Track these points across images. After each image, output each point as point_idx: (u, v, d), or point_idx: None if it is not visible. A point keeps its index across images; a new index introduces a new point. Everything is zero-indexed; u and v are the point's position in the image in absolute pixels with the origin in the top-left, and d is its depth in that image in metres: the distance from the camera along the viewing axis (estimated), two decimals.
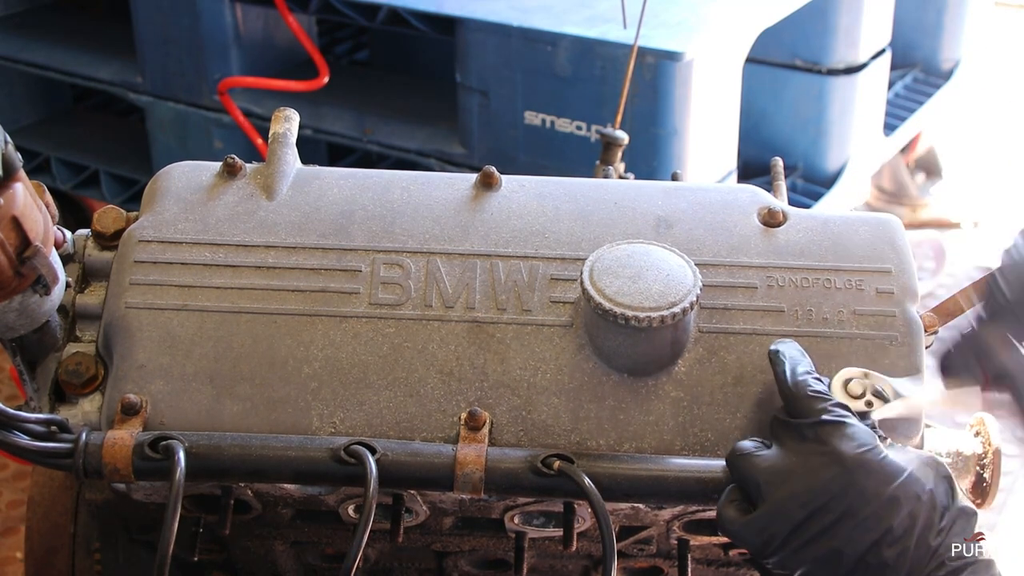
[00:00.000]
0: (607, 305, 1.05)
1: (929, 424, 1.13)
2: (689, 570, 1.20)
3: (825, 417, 0.96)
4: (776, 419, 1.00)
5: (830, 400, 0.98)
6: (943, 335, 1.16)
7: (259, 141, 2.56)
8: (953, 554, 0.92)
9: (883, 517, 0.92)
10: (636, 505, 1.10)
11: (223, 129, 2.74)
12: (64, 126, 3.21)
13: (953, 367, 1.12)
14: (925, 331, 1.13)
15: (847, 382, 1.03)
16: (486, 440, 1.05)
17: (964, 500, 0.96)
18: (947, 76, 3.37)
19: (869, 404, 1.02)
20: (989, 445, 1.18)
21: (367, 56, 3.17)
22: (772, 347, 1.04)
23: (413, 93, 2.75)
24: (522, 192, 1.21)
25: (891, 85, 3.12)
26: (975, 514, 0.96)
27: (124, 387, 1.09)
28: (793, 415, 0.99)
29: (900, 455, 0.96)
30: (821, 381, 1.01)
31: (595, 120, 2.27)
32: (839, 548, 0.92)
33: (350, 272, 1.14)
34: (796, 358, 1.03)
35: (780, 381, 1.02)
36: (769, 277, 1.15)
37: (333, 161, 2.73)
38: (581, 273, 1.08)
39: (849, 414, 0.97)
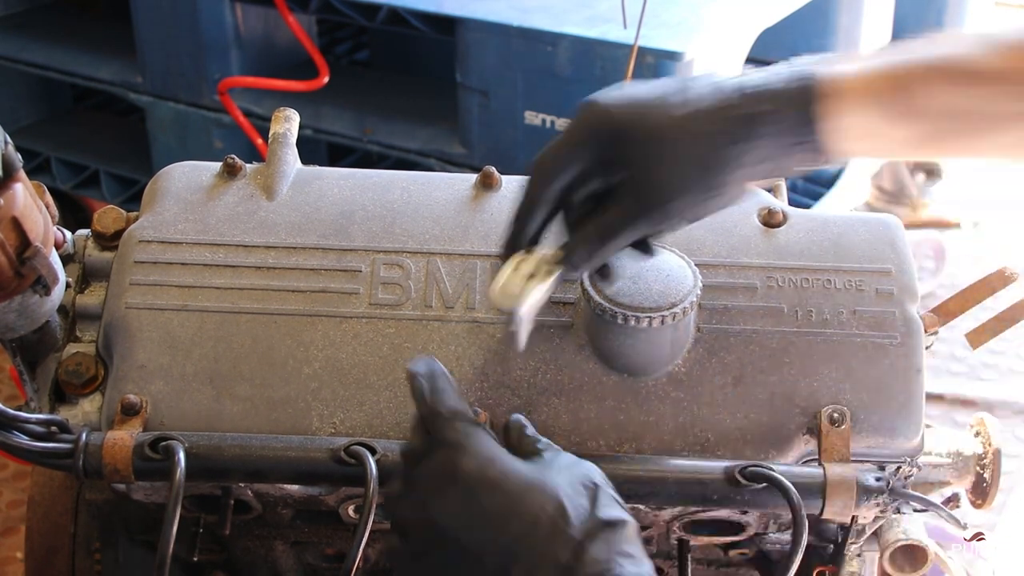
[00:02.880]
0: (607, 305, 1.05)
1: (929, 424, 1.13)
2: (689, 570, 1.20)
3: (448, 435, 0.88)
4: (407, 444, 0.94)
5: (462, 417, 0.89)
6: None
7: (259, 141, 2.56)
8: (595, 571, 0.80)
9: (497, 541, 0.82)
10: (636, 505, 1.09)
11: (223, 129, 2.74)
12: (64, 126, 3.21)
13: None
14: (925, 331, 1.13)
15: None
16: None
17: (613, 511, 0.85)
18: None
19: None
20: (989, 445, 1.18)
21: (367, 56, 3.17)
22: (409, 367, 0.93)
23: (413, 93, 2.75)
24: None
25: None
26: (625, 524, 0.84)
27: (124, 387, 1.09)
28: (428, 433, 0.90)
29: (531, 467, 0.87)
30: (460, 400, 0.92)
31: None
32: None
33: (350, 272, 1.14)
34: (435, 376, 0.92)
35: (417, 402, 0.92)
36: (769, 277, 1.15)
37: (333, 161, 2.73)
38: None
39: (478, 428, 0.89)
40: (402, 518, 0.89)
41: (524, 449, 0.93)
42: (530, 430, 0.96)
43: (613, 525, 0.84)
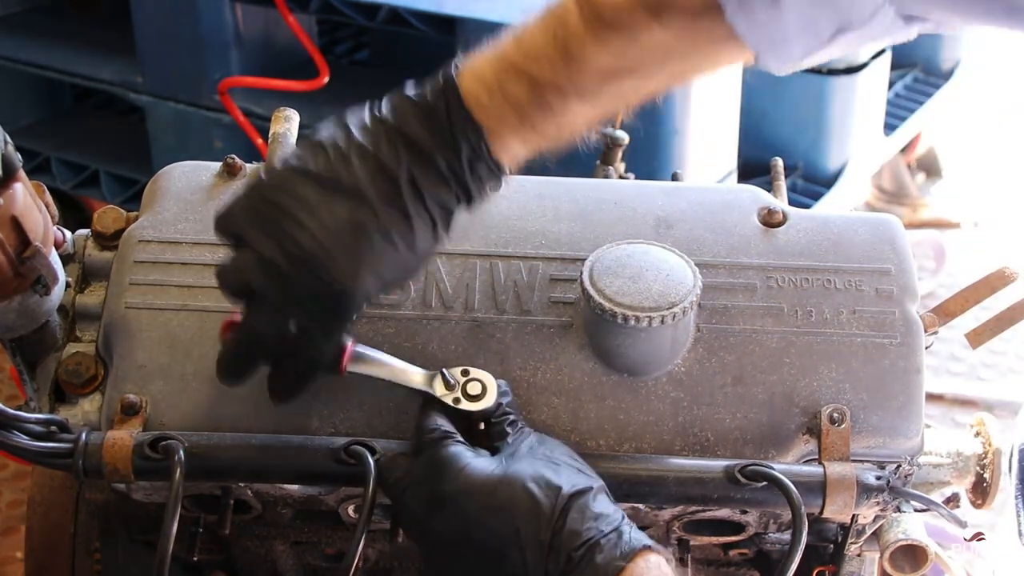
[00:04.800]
0: (607, 305, 1.05)
1: (929, 424, 1.13)
2: (689, 570, 1.20)
3: (426, 464, 0.96)
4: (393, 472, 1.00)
5: (434, 430, 0.98)
6: None
7: (259, 141, 2.56)
8: (577, 542, 0.88)
9: (485, 540, 0.91)
10: (636, 505, 1.10)
11: (223, 129, 2.74)
12: (64, 126, 3.21)
13: None
14: (925, 331, 1.13)
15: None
16: None
17: (577, 480, 0.93)
18: (947, 76, 3.37)
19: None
20: (989, 445, 1.18)
21: (367, 56, 3.17)
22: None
23: None
24: (522, 192, 1.21)
25: (891, 85, 3.12)
26: (590, 489, 0.92)
27: (124, 387, 1.09)
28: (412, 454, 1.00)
29: (498, 462, 0.95)
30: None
31: None
32: None
33: None
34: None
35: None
36: (769, 277, 1.15)
37: None
38: (581, 273, 1.08)
39: (448, 444, 0.96)
40: (408, 533, 1.00)
41: (492, 430, 1.01)
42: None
43: (581, 494, 0.92)
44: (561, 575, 0.88)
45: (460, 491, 0.93)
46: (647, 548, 0.89)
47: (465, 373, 1.03)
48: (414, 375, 1.05)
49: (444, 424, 0.99)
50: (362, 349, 1.05)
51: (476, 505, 0.92)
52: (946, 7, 0.92)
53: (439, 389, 1.03)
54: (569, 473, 0.94)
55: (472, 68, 0.98)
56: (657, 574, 0.88)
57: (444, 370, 1.03)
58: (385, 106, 0.98)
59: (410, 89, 0.99)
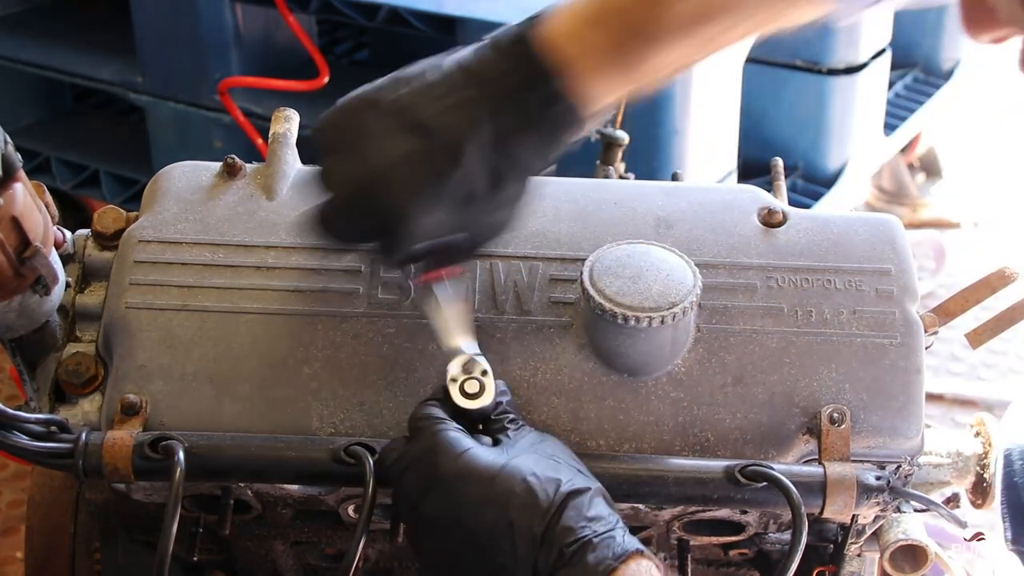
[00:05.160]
0: (607, 305, 1.05)
1: (929, 424, 1.13)
2: (689, 570, 1.20)
3: (424, 441, 0.96)
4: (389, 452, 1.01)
5: (429, 416, 0.99)
6: None
7: (259, 141, 2.56)
8: (570, 539, 0.89)
9: (478, 527, 0.91)
10: (636, 505, 1.10)
11: (223, 129, 2.73)
12: (64, 126, 3.20)
13: None
14: (925, 331, 1.13)
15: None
16: None
17: (577, 481, 0.93)
18: (947, 76, 3.37)
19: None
20: (989, 445, 1.18)
21: (367, 56, 3.17)
22: None
23: None
24: None
25: (891, 85, 3.11)
26: (589, 490, 0.92)
27: (124, 387, 1.09)
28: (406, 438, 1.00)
29: (498, 452, 0.96)
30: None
31: None
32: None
33: (350, 272, 1.14)
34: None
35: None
36: (769, 277, 1.15)
37: None
38: (581, 273, 1.08)
39: (447, 427, 0.97)
40: (401, 518, 0.99)
41: (492, 428, 1.01)
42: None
43: (580, 493, 0.92)
44: (552, 570, 0.88)
45: (459, 475, 0.93)
46: (640, 552, 0.89)
47: (484, 373, 1.03)
48: (451, 338, 1.05)
49: (440, 412, 0.99)
50: (441, 290, 1.07)
51: (473, 491, 0.92)
52: None
53: (454, 367, 1.03)
54: (569, 472, 0.95)
55: (554, 15, 0.98)
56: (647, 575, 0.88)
57: (477, 355, 1.03)
58: (468, 49, 1.00)
59: (497, 34, 1.01)
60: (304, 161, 1.26)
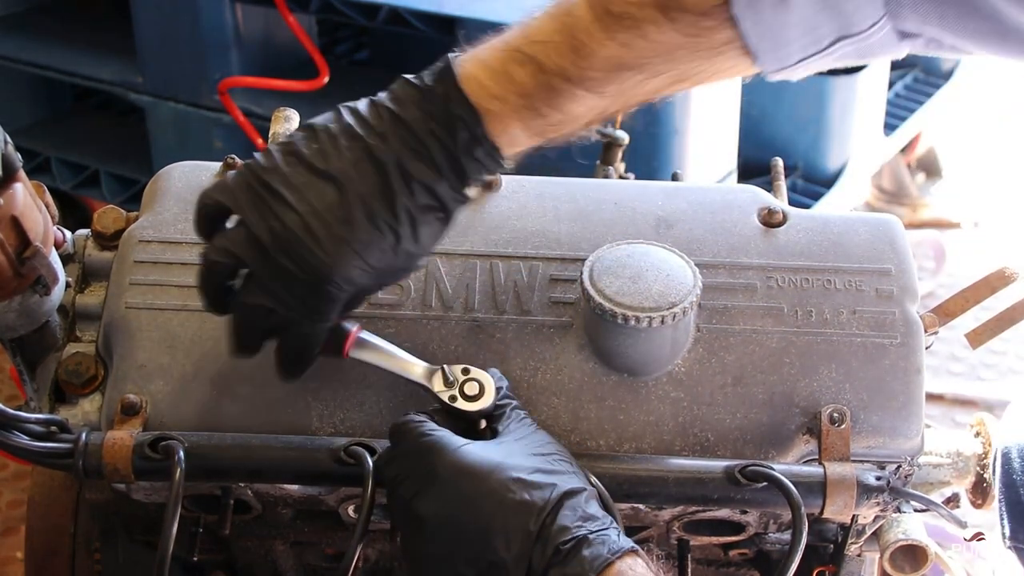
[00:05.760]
0: (607, 305, 1.05)
1: (929, 424, 1.13)
2: (689, 570, 1.20)
3: (420, 441, 0.96)
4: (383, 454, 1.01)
5: (414, 419, 0.98)
6: None
7: (259, 141, 2.56)
8: (566, 536, 0.89)
9: (472, 523, 0.91)
10: (636, 505, 1.10)
11: (223, 129, 2.73)
12: (64, 126, 3.20)
13: None
14: (925, 331, 1.13)
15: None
16: None
17: (571, 481, 0.93)
18: (947, 76, 3.37)
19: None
20: (989, 445, 1.18)
21: (367, 56, 3.17)
22: None
23: None
24: (522, 192, 1.21)
25: (891, 85, 3.11)
26: (583, 490, 0.93)
27: (124, 387, 1.09)
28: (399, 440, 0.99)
29: (493, 448, 0.95)
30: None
31: None
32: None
33: None
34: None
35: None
36: (769, 277, 1.15)
37: None
38: (581, 273, 1.08)
39: (422, 423, 0.97)
40: (394, 519, 0.99)
41: (492, 419, 1.01)
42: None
43: (575, 493, 0.92)
44: (546, 566, 0.88)
45: (453, 472, 0.92)
46: (634, 551, 0.90)
47: (466, 371, 1.03)
48: (415, 367, 1.05)
49: (419, 416, 0.99)
50: (367, 337, 1.05)
51: (467, 488, 0.92)
52: (940, 26, 0.94)
53: (437, 384, 1.03)
54: (565, 472, 0.95)
55: (476, 55, 0.98)
56: (642, 572, 0.88)
57: (445, 366, 1.03)
58: (385, 92, 0.99)
59: (410, 77, 1.00)
60: None
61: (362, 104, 0.99)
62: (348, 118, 0.97)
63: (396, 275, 1.03)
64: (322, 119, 0.99)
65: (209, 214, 1.00)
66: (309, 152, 0.96)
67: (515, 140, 0.99)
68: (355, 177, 0.95)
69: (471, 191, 1.01)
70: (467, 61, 0.98)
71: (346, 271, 0.96)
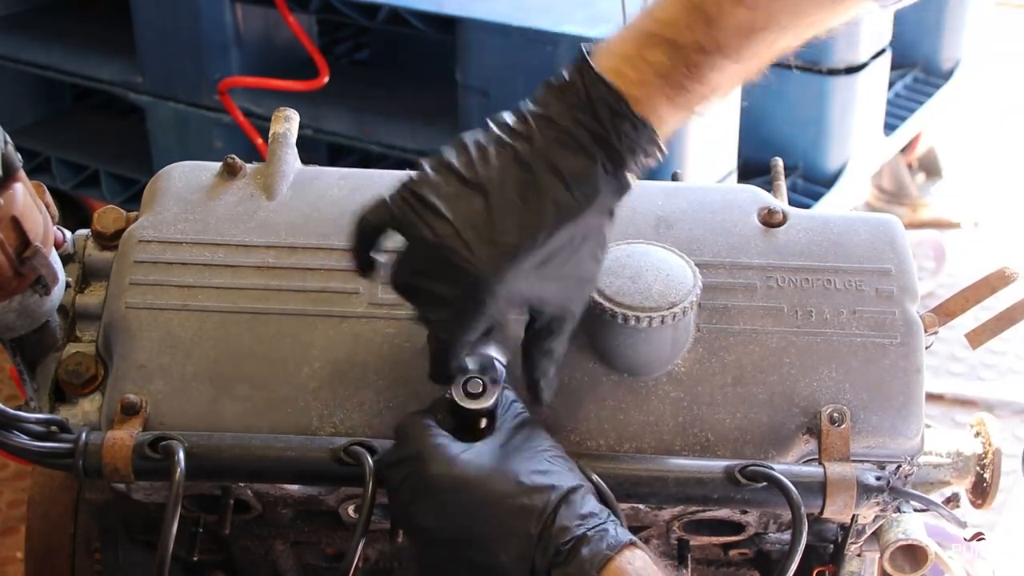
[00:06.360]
0: (607, 305, 1.05)
1: (929, 424, 1.13)
2: (689, 570, 1.20)
3: (412, 447, 0.96)
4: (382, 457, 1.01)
5: (413, 423, 0.99)
6: None
7: (259, 141, 2.56)
8: (566, 537, 0.90)
9: (473, 531, 0.92)
10: (636, 505, 1.10)
11: (223, 129, 2.74)
12: (64, 126, 3.20)
13: None
14: (925, 331, 1.13)
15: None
16: None
17: (567, 479, 0.94)
18: (947, 76, 3.37)
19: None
20: (989, 445, 1.18)
21: (367, 56, 3.17)
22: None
23: (413, 93, 2.74)
24: None
25: (891, 85, 3.11)
26: (580, 487, 0.93)
27: (124, 387, 1.09)
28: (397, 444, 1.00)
29: (488, 453, 0.95)
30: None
31: None
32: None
33: (350, 272, 1.14)
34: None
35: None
36: (769, 277, 1.15)
37: (333, 161, 2.73)
38: None
39: (435, 432, 0.97)
40: (398, 524, 1.01)
41: (492, 420, 1.01)
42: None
43: (572, 492, 0.93)
44: (548, 568, 0.89)
45: (450, 482, 0.93)
46: (632, 544, 0.91)
47: (484, 371, 1.02)
48: None
49: (425, 419, 0.99)
50: None
51: (465, 497, 0.92)
52: None
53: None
54: (561, 471, 0.95)
55: (608, 47, 0.98)
56: (642, 565, 0.89)
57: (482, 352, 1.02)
58: (528, 99, 0.99)
59: (550, 79, 1.00)
60: (304, 162, 1.26)
61: (507, 113, 0.99)
62: (495, 128, 0.98)
63: (568, 281, 1.01)
64: (472, 134, 0.99)
65: (364, 233, 1.01)
66: (459, 163, 0.97)
67: (664, 119, 0.99)
68: (505, 182, 0.95)
69: (632, 179, 1.00)
70: (601, 55, 0.98)
71: (497, 277, 0.95)
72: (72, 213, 3.04)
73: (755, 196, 1.22)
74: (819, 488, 1.02)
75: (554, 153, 0.95)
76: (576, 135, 0.95)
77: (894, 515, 1.12)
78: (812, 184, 2.83)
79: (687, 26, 0.96)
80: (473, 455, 0.95)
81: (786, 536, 1.17)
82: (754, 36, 0.97)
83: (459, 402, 1.00)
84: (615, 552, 0.89)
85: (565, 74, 0.98)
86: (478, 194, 0.95)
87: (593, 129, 0.96)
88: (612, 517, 0.93)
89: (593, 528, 0.90)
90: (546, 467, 0.95)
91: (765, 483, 1.01)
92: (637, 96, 0.96)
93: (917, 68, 3.38)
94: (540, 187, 0.95)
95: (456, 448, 0.96)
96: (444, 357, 1.00)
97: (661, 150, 1.00)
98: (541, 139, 0.96)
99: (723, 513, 1.12)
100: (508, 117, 0.99)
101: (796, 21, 0.99)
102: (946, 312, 1.18)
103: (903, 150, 3.46)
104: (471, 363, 1.02)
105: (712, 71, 0.97)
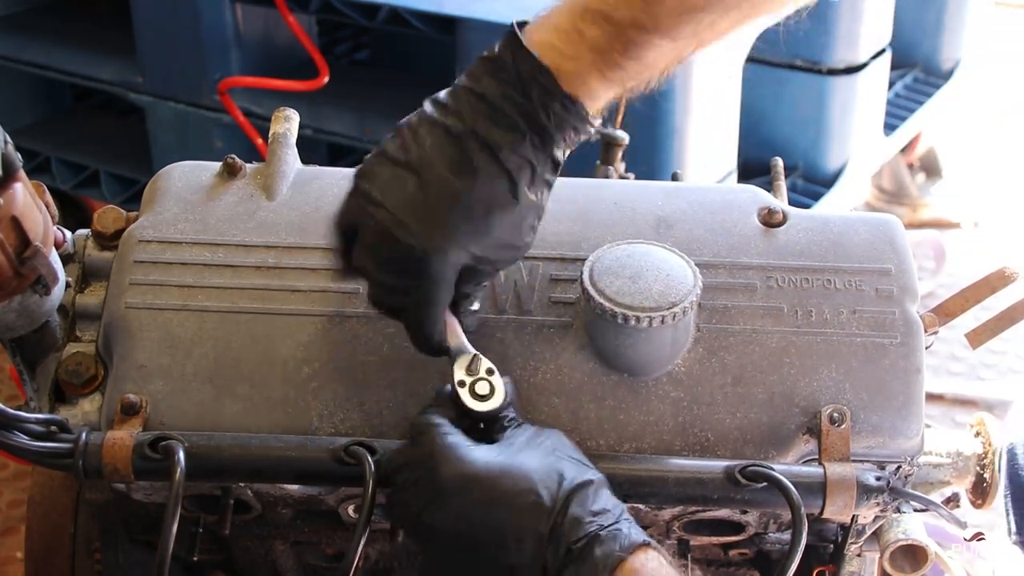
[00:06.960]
0: (607, 305, 1.05)
1: (929, 424, 1.13)
2: (689, 570, 1.20)
3: (423, 447, 0.97)
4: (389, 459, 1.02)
5: (429, 422, 0.99)
6: None
7: (259, 141, 2.56)
8: (577, 535, 0.89)
9: (484, 530, 0.91)
10: (636, 505, 1.10)
11: (223, 129, 2.74)
12: (64, 126, 3.20)
13: None
14: (925, 331, 1.13)
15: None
16: None
17: (579, 474, 0.93)
18: (947, 76, 3.37)
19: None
20: (989, 445, 1.18)
21: (367, 56, 3.17)
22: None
23: (413, 93, 2.73)
24: None
25: (891, 85, 3.11)
26: (592, 482, 0.93)
27: (124, 387, 1.09)
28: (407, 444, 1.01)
29: (500, 452, 0.96)
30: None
31: None
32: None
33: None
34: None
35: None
36: (769, 277, 1.15)
37: (333, 161, 2.73)
38: (581, 273, 1.08)
39: (446, 431, 0.97)
40: (403, 527, 1.01)
41: (494, 427, 1.01)
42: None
43: (583, 487, 0.92)
44: (560, 567, 0.88)
45: (460, 483, 0.93)
46: (647, 544, 0.90)
47: (490, 372, 1.02)
48: (461, 337, 1.04)
49: (439, 418, 0.99)
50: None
51: (476, 497, 0.92)
52: None
53: (460, 367, 1.02)
54: (571, 465, 0.95)
55: (543, 21, 0.99)
56: (656, 566, 0.88)
57: (480, 355, 1.03)
58: (464, 72, 1.00)
59: (483, 53, 1.01)
60: (304, 162, 1.26)
61: (442, 92, 1.01)
62: (428, 107, 1.00)
63: (506, 244, 1.02)
64: (406, 117, 1.01)
65: (342, 234, 1.04)
66: (392, 149, 0.99)
67: (595, 94, 0.99)
68: (435, 159, 0.97)
69: (562, 152, 1.01)
70: (535, 28, 0.98)
71: (445, 250, 0.97)
72: (72, 213, 3.04)
73: (755, 196, 1.22)
74: (819, 488, 1.02)
75: (484, 128, 0.96)
76: (505, 110, 0.96)
77: (894, 515, 1.12)
78: (812, 184, 2.83)
79: (624, 2, 0.96)
80: (483, 454, 0.95)
81: (786, 536, 1.17)
82: (692, 15, 0.97)
83: (468, 405, 1.00)
84: (629, 553, 0.88)
85: (497, 49, 0.99)
86: (412, 175, 0.97)
87: (522, 106, 0.96)
88: (626, 515, 0.92)
89: (606, 527, 0.90)
90: (556, 463, 0.94)
91: (765, 483, 1.01)
92: (569, 71, 0.97)
93: (917, 68, 3.38)
94: (471, 162, 0.96)
95: (466, 447, 0.96)
96: (422, 332, 1.02)
97: (592, 126, 1.00)
98: (471, 114, 0.97)
99: (723, 513, 1.12)
100: (442, 94, 1.00)
101: (735, 5, 0.99)
102: (946, 312, 1.18)
103: (903, 150, 3.46)
104: (480, 365, 1.02)
105: (648, 49, 0.98)
